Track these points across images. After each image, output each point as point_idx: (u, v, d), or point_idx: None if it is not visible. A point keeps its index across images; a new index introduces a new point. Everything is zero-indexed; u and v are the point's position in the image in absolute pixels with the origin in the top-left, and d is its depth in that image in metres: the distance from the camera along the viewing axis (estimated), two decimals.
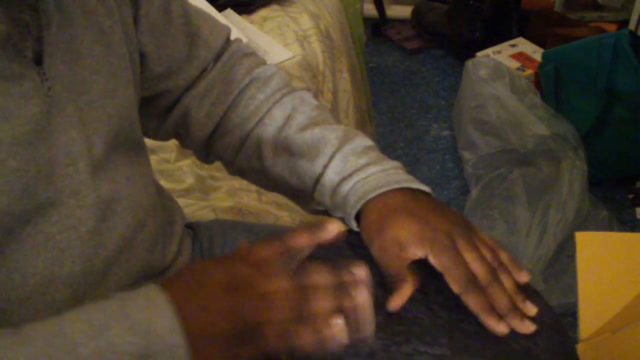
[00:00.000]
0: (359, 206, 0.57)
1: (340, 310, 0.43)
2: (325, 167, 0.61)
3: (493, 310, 0.51)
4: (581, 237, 0.88)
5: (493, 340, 0.50)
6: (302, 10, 1.37)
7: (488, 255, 0.54)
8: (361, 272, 0.45)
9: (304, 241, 0.46)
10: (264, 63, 0.71)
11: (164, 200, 0.68)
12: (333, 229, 0.46)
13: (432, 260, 0.53)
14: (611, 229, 1.52)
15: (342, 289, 0.44)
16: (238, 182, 1.05)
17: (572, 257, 1.42)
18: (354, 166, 0.60)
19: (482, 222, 1.55)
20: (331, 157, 0.61)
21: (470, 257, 0.53)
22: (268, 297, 0.43)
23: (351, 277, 0.44)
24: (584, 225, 1.50)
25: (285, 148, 0.64)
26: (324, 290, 0.43)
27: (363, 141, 0.63)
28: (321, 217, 0.54)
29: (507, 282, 0.53)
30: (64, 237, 0.47)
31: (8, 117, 0.41)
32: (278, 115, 0.65)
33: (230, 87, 0.67)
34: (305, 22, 1.34)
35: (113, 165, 0.53)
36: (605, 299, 0.81)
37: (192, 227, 0.75)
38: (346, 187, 0.59)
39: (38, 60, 0.44)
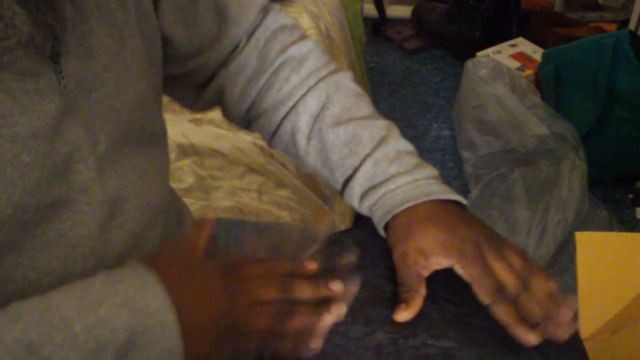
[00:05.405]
0: (386, 219, 0.57)
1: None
2: (356, 169, 0.60)
3: (523, 320, 0.50)
4: (581, 237, 0.88)
5: (500, 333, 0.51)
6: (302, 10, 1.37)
7: (518, 263, 0.53)
8: (338, 287, 0.49)
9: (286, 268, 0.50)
10: (301, 37, 0.67)
11: (175, 200, 0.67)
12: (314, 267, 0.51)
13: (460, 270, 0.52)
14: (611, 229, 1.52)
15: (323, 302, 0.49)
16: (238, 182, 1.05)
17: (572, 257, 1.42)
18: (384, 175, 0.58)
19: None
20: (362, 160, 0.60)
21: (498, 267, 0.52)
22: (258, 305, 0.46)
23: (329, 292, 0.49)
24: (584, 225, 1.50)
25: (318, 141, 0.63)
26: (307, 304, 0.48)
27: (397, 143, 0.60)
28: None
29: (541, 287, 0.52)
30: (75, 234, 0.48)
31: (26, 111, 0.41)
32: (312, 103, 0.63)
33: (263, 66, 0.65)
34: (305, 22, 1.34)
35: (124, 160, 0.52)
36: (605, 299, 0.81)
37: None
38: (374, 196, 0.58)
39: (55, 58, 0.44)
